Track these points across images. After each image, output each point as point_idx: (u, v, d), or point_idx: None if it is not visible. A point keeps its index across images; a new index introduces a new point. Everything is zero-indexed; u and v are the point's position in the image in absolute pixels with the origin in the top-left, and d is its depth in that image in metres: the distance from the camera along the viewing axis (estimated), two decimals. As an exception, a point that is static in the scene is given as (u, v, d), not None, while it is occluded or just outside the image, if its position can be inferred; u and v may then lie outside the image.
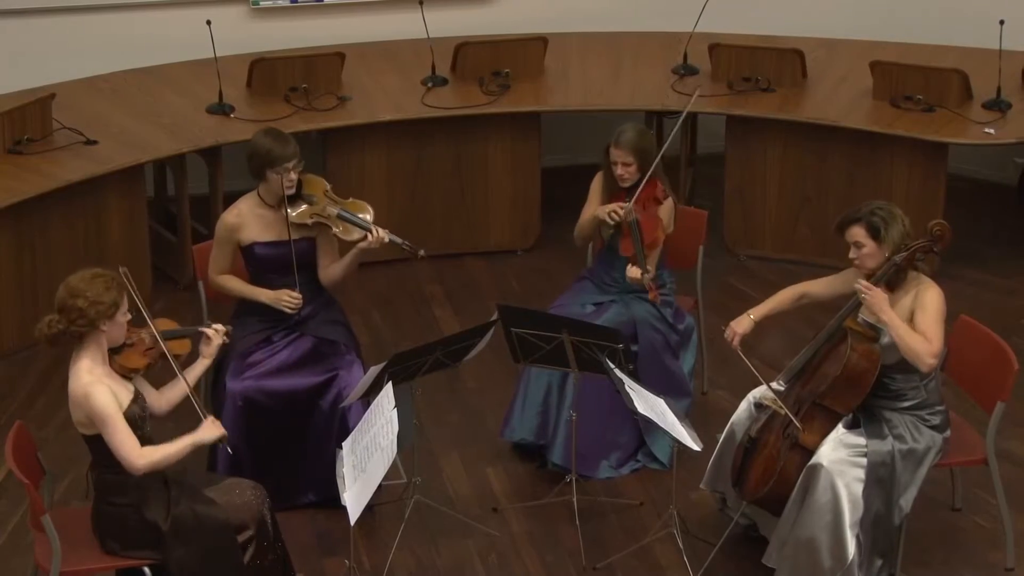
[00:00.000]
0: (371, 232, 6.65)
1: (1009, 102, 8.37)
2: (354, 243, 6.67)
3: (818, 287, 6.45)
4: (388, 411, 5.73)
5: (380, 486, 5.68)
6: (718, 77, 8.76)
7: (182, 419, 6.00)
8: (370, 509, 6.46)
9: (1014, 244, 8.95)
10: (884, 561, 6.15)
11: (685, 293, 7.36)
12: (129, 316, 5.74)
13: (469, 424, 7.37)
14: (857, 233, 6.12)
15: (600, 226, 7.01)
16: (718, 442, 6.44)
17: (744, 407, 6.39)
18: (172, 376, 5.92)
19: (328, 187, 6.77)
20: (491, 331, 6.55)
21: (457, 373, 7.52)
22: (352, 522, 5.57)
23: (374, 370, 6.24)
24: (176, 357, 5.90)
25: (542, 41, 8.92)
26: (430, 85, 8.74)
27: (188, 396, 5.87)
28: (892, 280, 6.10)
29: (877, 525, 6.08)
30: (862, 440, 6.07)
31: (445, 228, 8.79)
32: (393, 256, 8.59)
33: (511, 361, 6.65)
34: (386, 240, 6.66)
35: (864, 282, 6.05)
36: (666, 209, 7.00)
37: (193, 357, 6.03)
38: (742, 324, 6.40)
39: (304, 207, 6.67)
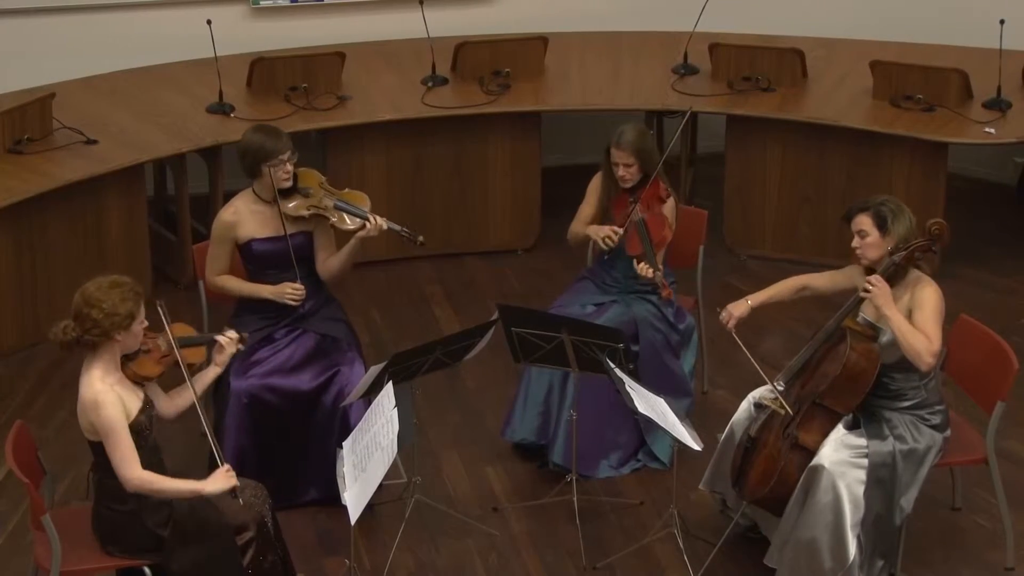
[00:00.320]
0: (369, 220, 6.63)
1: (1009, 101, 8.37)
2: (352, 234, 6.67)
3: (819, 280, 6.44)
4: (388, 411, 5.72)
5: (380, 485, 5.68)
6: (718, 77, 8.76)
7: (188, 419, 5.99)
8: (370, 508, 6.45)
9: (1014, 244, 8.94)
10: (885, 562, 6.15)
11: (685, 293, 7.36)
12: (145, 324, 5.67)
13: (469, 424, 7.37)
14: (863, 222, 6.11)
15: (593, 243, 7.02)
16: (719, 442, 6.44)
17: (744, 407, 6.38)
18: (184, 378, 5.86)
19: (323, 179, 6.74)
20: (491, 331, 6.54)
21: (457, 373, 7.52)
22: (352, 521, 5.57)
23: (374, 370, 6.23)
24: (191, 366, 5.83)
25: (542, 41, 8.91)
26: (430, 85, 8.73)
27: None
28: (891, 278, 6.09)
29: (878, 526, 6.08)
30: (863, 441, 6.07)
31: (445, 228, 8.78)
32: (393, 256, 8.62)
33: (511, 361, 6.65)
34: (385, 227, 6.64)
35: (872, 277, 6.05)
36: (669, 208, 6.99)
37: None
38: (739, 308, 6.39)
39: (300, 199, 6.65)
